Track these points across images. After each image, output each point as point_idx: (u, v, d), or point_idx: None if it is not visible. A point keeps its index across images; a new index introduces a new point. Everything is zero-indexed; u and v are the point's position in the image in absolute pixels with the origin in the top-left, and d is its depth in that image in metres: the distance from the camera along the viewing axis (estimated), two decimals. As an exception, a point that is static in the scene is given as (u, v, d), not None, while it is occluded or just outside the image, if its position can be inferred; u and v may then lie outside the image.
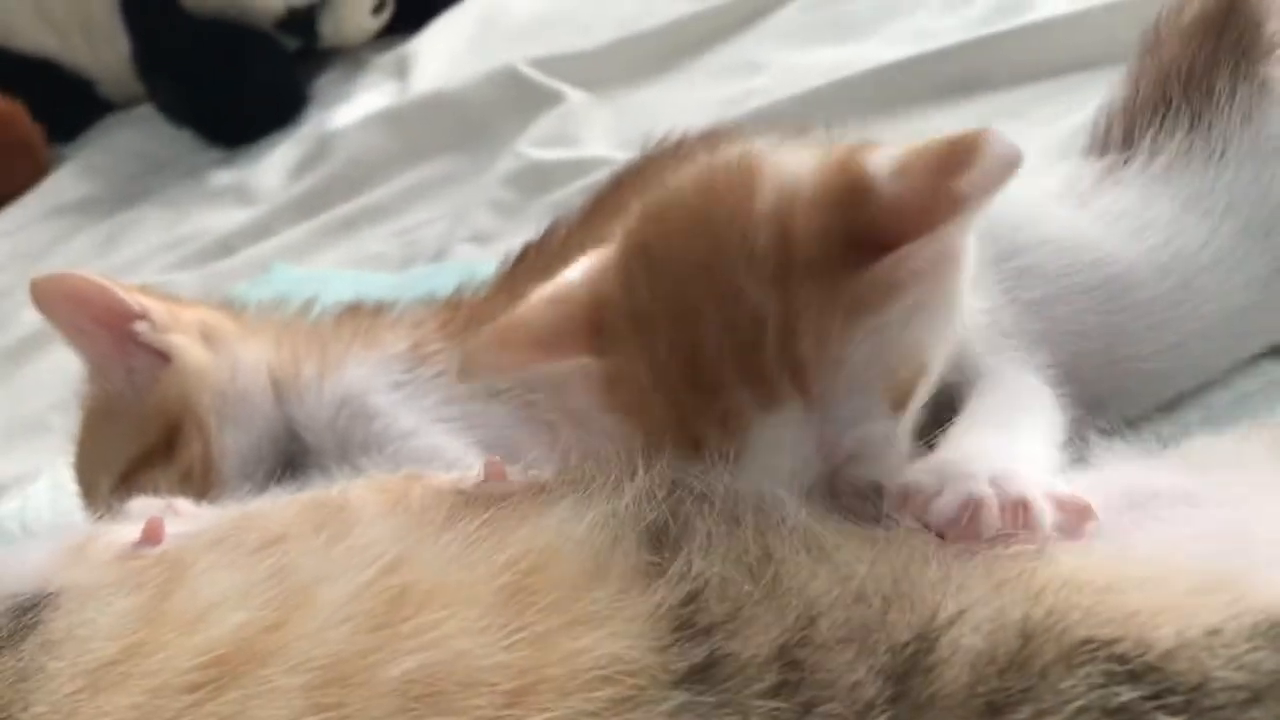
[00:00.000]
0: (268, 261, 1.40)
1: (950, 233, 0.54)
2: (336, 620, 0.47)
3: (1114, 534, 0.52)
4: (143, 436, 0.82)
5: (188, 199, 1.68)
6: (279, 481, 0.73)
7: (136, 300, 0.82)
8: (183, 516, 0.69)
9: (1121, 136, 0.78)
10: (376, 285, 1.25)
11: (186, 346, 0.82)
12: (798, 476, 0.55)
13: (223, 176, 1.70)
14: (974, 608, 0.44)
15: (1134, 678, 0.42)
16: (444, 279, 1.02)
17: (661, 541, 0.50)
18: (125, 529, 0.60)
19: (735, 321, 0.55)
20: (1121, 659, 0.43)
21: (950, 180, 0.51)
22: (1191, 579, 0.47)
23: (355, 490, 0.62)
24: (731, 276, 0.55)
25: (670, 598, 0.47)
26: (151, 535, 0.58)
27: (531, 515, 0.53)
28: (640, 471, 0.54)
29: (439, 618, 0.46)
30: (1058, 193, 0.76)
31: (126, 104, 2.07)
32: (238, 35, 1.81)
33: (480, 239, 1.27)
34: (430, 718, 0.43)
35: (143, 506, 0.67)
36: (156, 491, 0.75)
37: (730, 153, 0.60)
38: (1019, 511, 0.51)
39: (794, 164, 0.58)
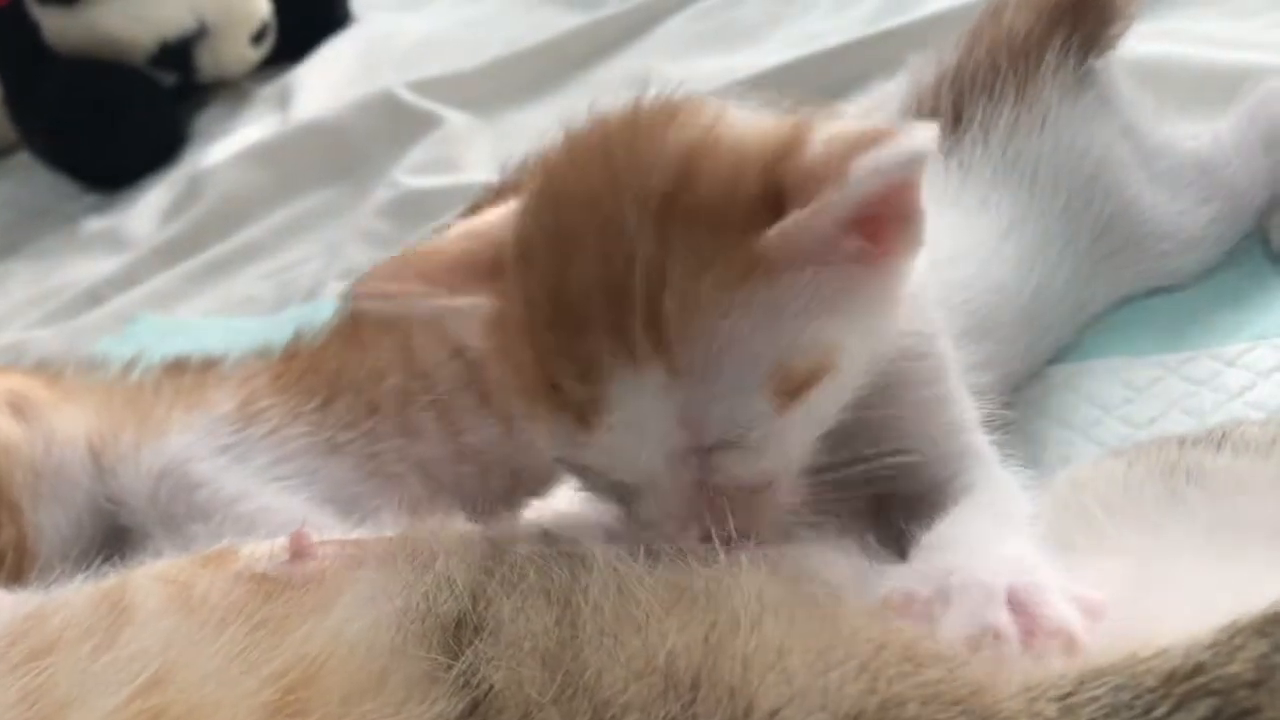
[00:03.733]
0: (137, 311, 1.32)
1: (832, 209, 0.47)
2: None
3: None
4: (-52, 522, 0.75)
5: (59, 249, 1.59)
6: (105, 556, 0.66)
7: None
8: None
9: (950, 108, 0.75)
10: (246, 331, 1.18)
11: None
12: (657, 448, 0.48)
13: (96, 223, 1.61)
14: (795, 701, 0.38)
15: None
16: (319, 319, 0.94)
17: (459, 635, 0.45)
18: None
19: (609, 257, 0.48)
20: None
21: (851, 158, 0.46)
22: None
23: (139, 580, 0.57)
24: (617, 206, 0.48)
25: (451, 709, 0.40)
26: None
27: (316, 610, 0.48)
28: (441, 556, 0.48)
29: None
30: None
31: (5, 151, 1.97)
32: (110, 74, 1.73)
33: (353, 275, 1.19)
34: None
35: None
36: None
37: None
38: (1037, 633, 0.44)
39: (742, 115, 0.52)
